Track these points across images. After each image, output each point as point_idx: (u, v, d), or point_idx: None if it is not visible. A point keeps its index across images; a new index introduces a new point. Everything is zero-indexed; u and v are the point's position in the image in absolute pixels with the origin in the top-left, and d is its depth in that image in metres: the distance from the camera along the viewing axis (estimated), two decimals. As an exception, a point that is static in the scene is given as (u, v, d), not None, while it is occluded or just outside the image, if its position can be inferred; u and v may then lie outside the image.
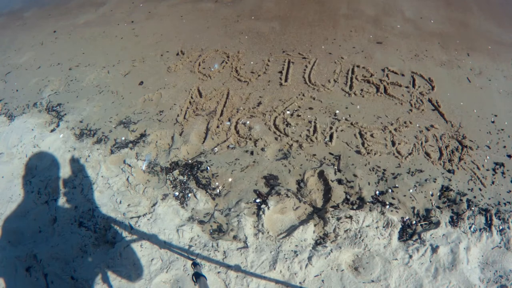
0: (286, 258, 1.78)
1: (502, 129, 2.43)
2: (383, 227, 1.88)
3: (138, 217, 2.05)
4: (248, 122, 2.56)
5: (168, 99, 2.87)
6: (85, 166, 2.39)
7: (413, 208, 1.97)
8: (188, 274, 1.78)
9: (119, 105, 2.88)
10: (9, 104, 3.13)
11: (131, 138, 2.54)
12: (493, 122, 2.48)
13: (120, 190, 2.22)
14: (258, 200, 2.07)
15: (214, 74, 3.06)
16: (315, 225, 1.93)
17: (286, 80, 2.91)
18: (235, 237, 1.89)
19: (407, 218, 1.93)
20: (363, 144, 2.34)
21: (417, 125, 2.46)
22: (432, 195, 2.03)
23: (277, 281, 1.72)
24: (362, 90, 2.75)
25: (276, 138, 2.42)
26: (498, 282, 1.69)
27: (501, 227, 1.87)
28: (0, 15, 5.08)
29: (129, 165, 2.33)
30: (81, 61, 3.54)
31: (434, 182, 2.08)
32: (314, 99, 2.71)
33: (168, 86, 3.01)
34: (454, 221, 1.90)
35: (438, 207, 1.98)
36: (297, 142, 2.37)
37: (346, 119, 2.52)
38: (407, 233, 1.88)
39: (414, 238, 1.84)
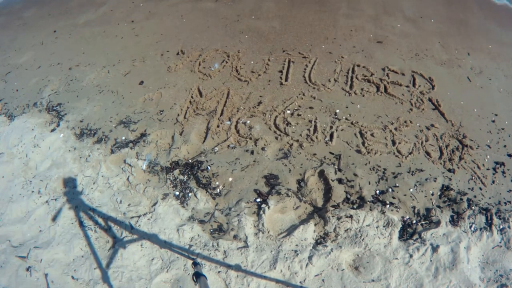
0: (286, 258, 1.78)
1: (503, 129, 2.42)
2: (384, 226, 1.88)
3: (139, 216, 2.05)
4: (248, 121, 2.56)
5: (168, 98, 2.87)
6: (86, 165, 2.39)
7: (414, 207, 1.97)
8: (189, 274, 1.78)
9: (119, 105, 2.87)
10: (9, 104, 3.13)
11: (131, 138, 2.54)
12: (493, 121, 2.48)
13: (120, 190, 2.22)
14: (258, 200, 2.07)
15: (214, 74, 3.06)
16: (315, 225, 1.92)
17: (286, 80, 2.91)
18: (235, 237, 1.89)
19: (407, 217, 1.93)
20: (363, 143, 2.34)
21: (418, 124, 2.46)
22: (432, 194, 2.03)
23: (277, 281, 1.72)
24: (362, 89, 2.75)
25: (276, 138, 2.42)
26: (498, 281, 1.69)
27: (501, 227, 1.87)
28: (0, 15, 5.08)
29: (130, 165, 2.33)
30: (81, 60, 3.54)
31: (435, 181, 2.08)
32: (314, 98, 2.71)
33: (168, 85, 3.01)
34: (455, 221, 1.90)
35: (439, 207, 1.98)
36: (297, 142, 2.37)
37: (346, 119, 2.51)
38: (407, 232, 1.88)
39: (414, 238, 1.84)
